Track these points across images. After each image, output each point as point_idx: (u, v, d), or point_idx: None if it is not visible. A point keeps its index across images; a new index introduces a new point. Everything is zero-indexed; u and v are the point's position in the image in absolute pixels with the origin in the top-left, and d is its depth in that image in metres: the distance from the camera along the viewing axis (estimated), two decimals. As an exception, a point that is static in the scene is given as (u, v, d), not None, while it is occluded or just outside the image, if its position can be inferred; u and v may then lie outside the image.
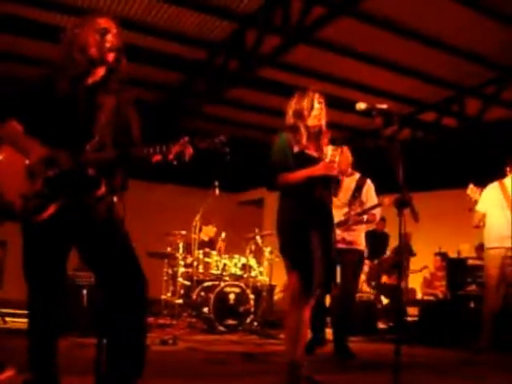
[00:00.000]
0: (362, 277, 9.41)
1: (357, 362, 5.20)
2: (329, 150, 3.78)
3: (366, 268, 9.41)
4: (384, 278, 9.40)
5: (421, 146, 10.52)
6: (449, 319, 7.17)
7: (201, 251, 7.96)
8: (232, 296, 7.42)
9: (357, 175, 5.77)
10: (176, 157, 2.62)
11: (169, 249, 8.41)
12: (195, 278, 7.82)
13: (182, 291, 7.97)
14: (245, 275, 7.97)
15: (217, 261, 7.94)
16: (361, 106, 3.50)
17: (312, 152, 3.85)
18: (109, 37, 2.66)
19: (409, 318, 7.97)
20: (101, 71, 2.71)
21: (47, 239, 2.60)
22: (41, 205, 2.52)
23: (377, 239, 9.49)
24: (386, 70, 8.66)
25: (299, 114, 3.84)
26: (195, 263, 7.85)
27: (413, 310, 8.17)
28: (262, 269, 8.36)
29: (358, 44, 7.98)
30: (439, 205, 9.99)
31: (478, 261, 7.25)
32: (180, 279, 7.94)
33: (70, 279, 5.96)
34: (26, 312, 2.67)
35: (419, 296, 9.62)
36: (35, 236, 2.62)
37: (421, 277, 9.77)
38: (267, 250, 8.49)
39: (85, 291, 6.20)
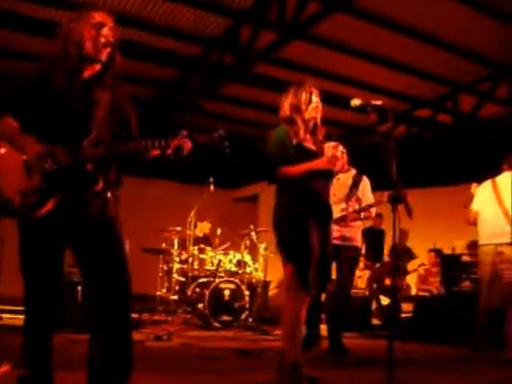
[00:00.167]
0: (361, 274, 9.47)
1: (351, 358, 5.22)
2: (328, 147, 3.80)
3: (367, 272, 9.49)
4: (387, 281, 9.40)
5: (416, 143, 10.53)
6: (443, 315, 7.20)
7: (196, 247, 7.96)
8: (227, 292, 7.43)
9: (353, 171, 5.79)
10: (174, 151, 2.61)
11: (164, 245, 8.41)
12: (190, 274, 7.83)
13: (177, 287, 7.97)
14: (240, 271, 7.98)
15: (212, 257, 7.94)
16: (355, 102, 3.50)
17: (310, 145, 3.86)
18: (104, 32, 2.64)
19: (403, 314, 8.00)
20: (96, 66, 2.70)
21: (44, 235, 2.58)
22: (39, 201, 2.51)
23: (374, 236, 9.54)
24: (381, 66, 8.65)
25: (296, 108, 3.83)
26: (190, 259, 7.86)
27: (407, 306, 8.20)
28: (257, 265, 8.38)
29: (353, 40, 7.97)
30: (434, 201, 10.01)
31: (472, 257, 7.29)
32: (175, 275, 7.94)
33: (65, 276, 5.95)
34: (21, 308, 2.66)
35: (414, 292, 9.64)
36: (32, 232, 2.60)
37: (415, 273, 9.79)
38: (262, 246, 8.51)
39: (79, 288, 6.20)
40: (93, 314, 2.62)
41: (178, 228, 8.13)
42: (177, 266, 8.00)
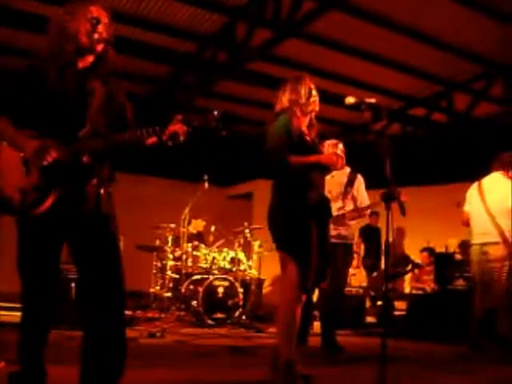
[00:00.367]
0: (355, 272, 9.48)
1: (345, 356, 5.22)
2: (328, 145, 3.79)
3: (362, 270, 9.54)
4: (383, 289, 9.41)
5: (410, 141, 10.55)
6: (436, 313, 7.22)
7: (190, 244, 7.96)
8: (221, 289, 7.42)
9: (347, 169, 5.79)
10: (171, 137, 2.59)
11: (158, 242, 8.41)
12: (184, 271, 7.82)
13: (170, 284, 7.97)
14: (234, 269, 7.98)
15: (205, 254, 7.93)
16: (350, 100, 3.50)
17: (308, 138, 3.85)
18: (99, 27, 2.63)
19: (397, 312, 8.02)
20: (90, 58, 2.68)
21: (44, 231, 2.58)
22: (39, 198, 2.50)
23: (371, 234, 9.62)
24: (376, 64, 8.66)
25: (295, 101, 3.81)
26: (184, 256, 7.85)
27: (401, 304, 8.22)
28: (250, 262, 8.38)
29: (348, 38, 7.98)
30: (428, 200, 10.02)
31: (463, 256, 7.35)
32: (169, 272, 7.94)
33: (59, 272, 5.93)
34: (16, 305, 2.66)
35: (407, 290, 9.66)
36: (32, 229, 2.60)
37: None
38: (256, 243, 8.52)
39: (73, 284, 6.18)
40: (86, 310, 2.62)
41: (172, 225, 8.13)
42: (170, 263, 8.00)
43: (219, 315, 7.32)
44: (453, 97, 9.73)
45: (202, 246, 8.07)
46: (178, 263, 7.99)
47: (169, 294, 7.84)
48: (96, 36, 2.61)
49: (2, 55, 8.17)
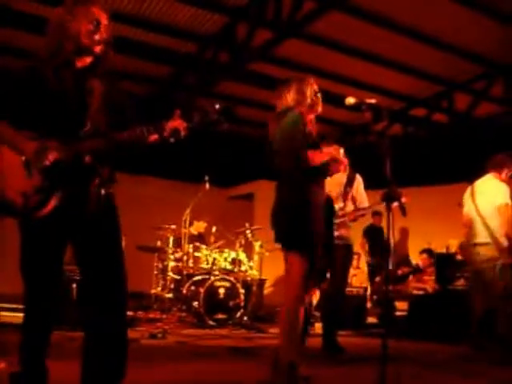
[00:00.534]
0: (356, 273, 9.48)
1: (346, 356, 5.22)
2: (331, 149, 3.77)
3: (364, 270, 9.56)
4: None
5: (411, 142, 10.55)
6: (438, 313, 7.22)
7: (191, 245, 7.95)
8: (222, 290, 7.42)
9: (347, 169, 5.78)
10: (172, 134, 2.59)
11: (159, 243, 8.41)
12: (185, 272, 7.83)
13: (171, 285, 7.97)
14: (235, 269, 7.98)
15: (207, 255, 7.93)
16: (350, 100, 3.50)
17: (314, 138, 3.83)
18: (99, 29, 2.63)
19: (398, 313, 8.01)
20: (88, 59, 2.69)
21: (47, 232, 2.58)
22: (41, 200, 2.50)
23: (375, 234, 9.67)
24: (376, 64, 8.66)
25: (301, 102, 3.78)
26: (185, 257, 7.86)
27: (402, 305, 8.21)
28: (252, 263, 8.37)
29: (348, 39, 7.98)
30: (429, 200, 10.02)
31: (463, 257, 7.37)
32: (170, 273, 7.94)
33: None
34: (18, 306, 2.66)
35: (408, 290, 9.66)
36: (34, 232, 2.60)
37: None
38: (257, 244, 8.51)
39: (74, 285, 6.19)
40: (88, 311, 2.62)
41: (173, 226, 8.12)
42: (172, 264, 8.00)
43: (220, 316, 7.32)
44: (453, 97, 9.73)
45: (203, 246, 8.07)
46: (179, 264, 7.99)
47: (170, 295, 7.84)
48: (97, 37, 2.62)
49: (1, 55, 8.18)
